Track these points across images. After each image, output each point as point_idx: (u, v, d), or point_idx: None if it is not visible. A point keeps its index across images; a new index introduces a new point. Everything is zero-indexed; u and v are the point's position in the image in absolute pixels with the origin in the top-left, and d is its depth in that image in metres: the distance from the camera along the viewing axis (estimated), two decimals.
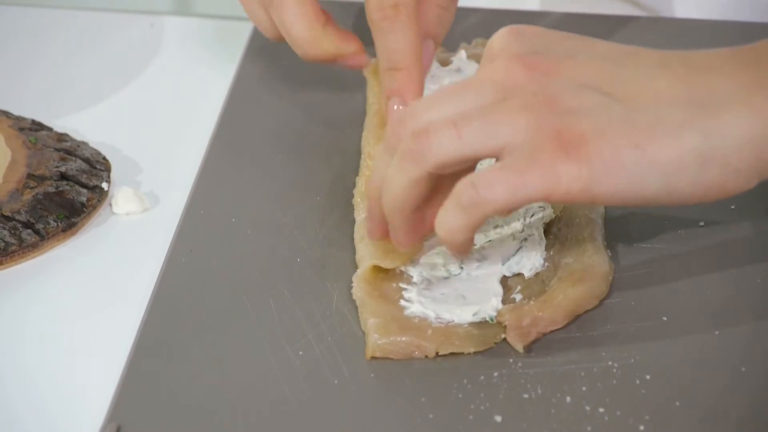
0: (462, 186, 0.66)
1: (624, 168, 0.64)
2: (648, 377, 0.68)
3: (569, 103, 0.65)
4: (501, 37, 0.69)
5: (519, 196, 0.65)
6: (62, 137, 0.87)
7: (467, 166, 0.68)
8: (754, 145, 0.64)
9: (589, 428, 0.66)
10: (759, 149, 0.65)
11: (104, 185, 0.83)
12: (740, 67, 0.66)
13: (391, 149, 0.69)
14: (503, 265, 0.75)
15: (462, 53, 0.91)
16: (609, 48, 0.68)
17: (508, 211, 0.66)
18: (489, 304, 0.72)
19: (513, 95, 0.66)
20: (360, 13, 0.99)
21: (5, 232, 0.78)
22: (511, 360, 0.70)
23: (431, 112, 0.68)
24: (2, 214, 0.79)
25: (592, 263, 0.74)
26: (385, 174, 0.69)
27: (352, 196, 0.81)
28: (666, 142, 0.64)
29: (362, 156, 0.84)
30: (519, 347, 0.70)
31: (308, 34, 0.84)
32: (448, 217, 0.66)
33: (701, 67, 0.67)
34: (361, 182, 0.81)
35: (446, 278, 0.74)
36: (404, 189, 0.68)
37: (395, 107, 0.81)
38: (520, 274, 0.75)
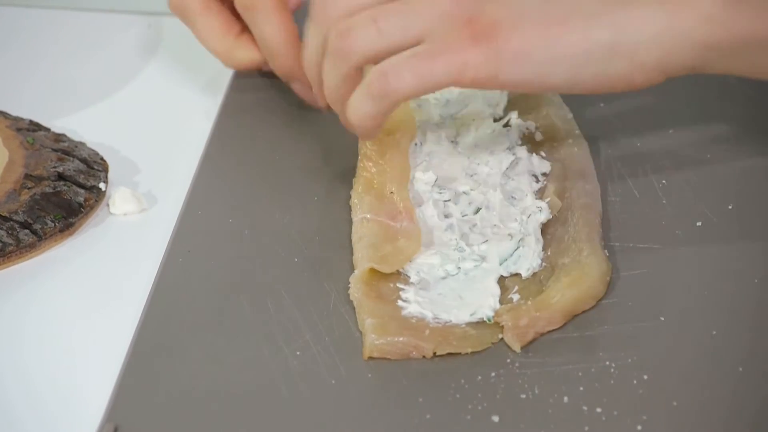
0: (373, 75, 0.69)
1: (532, 59, 0.66)
2: (645, 377, 0.68)
3: None
4: None
5: (427, 83, 0.67)
6: (60, 138, 0.87)
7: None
8: (662, 42, 0.66)
9: (586, 428, 0.66)
10: (666, 46, 0.66)
11: (102, 185, 0.83)
12: None
13: (316, 26, 0.72)
14: (500, 265, 0.75)
15: None
16: None
17: (417, 96, 0.69)
18: (486, 304, 0.72)
19: None
20: None
21: (2, 233, 0.78)
22: (508, 360, 0.70)
23: (349, 3, 0.70)
24: (0, 214, 0.79)
25: (590, 264, 0.74)
26: (318, 61, 0.73)
27: (350, 197, 0.81)
28: (575, 35, 0.66)
29: (359, 157, 0.84)
30: (516, 347, 0.70)
31: (220, 48, 0.87)
32: (359, 105, 0.70)
33: None
34: (358, 184, 0.81)
35: (443, 278, 0.74)
36: (338, 84, 0.72)
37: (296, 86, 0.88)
38: (517, 275, 0.75)
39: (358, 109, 0.70)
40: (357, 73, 0.72)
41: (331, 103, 0.74)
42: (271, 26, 0.85)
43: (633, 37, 0.65)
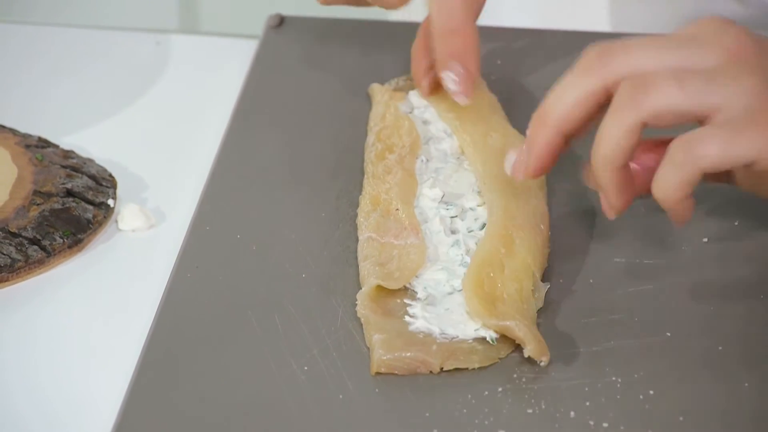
0: (675, 144, 0.66)
1: None
2: (651, 392, 0.69)
3: None
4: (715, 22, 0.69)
5: (730, 155, 0.65)
6: (68, 154, 0.87)
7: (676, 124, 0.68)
8: None
9: None
10: None
11: (110, 202, 0.84)
12: None
13: (586, 77, 0.69)
14: None
15: None
16: None
17: (719, 170, 0.66)
18: None
19: (739, 61, 0.67)
20: (366, 30, 1.00)
21: (12, 249, 0.79)
22: (515, 375, 0.70)
23: (644, 58, 0.68)
24: (9, 230, 0.79)
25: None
26: (604, 128, 0.69)
27: (356, 214, 0.81)
28: None
29: (365, 176, 0.84)
30: (545, 359, 0.70)
31: None
32: (663, 176, 0.67)
33: None
34: (364, 202, 0.81)
35: (450, 293, 0.75)
36: (618, 138, 0.68)
37: (451, 76, 0.81)
38: None
39: (662, 181, 0.67)
40: (639, 130, 0.67)
41: (601, 167, 0.69)
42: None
43: None
